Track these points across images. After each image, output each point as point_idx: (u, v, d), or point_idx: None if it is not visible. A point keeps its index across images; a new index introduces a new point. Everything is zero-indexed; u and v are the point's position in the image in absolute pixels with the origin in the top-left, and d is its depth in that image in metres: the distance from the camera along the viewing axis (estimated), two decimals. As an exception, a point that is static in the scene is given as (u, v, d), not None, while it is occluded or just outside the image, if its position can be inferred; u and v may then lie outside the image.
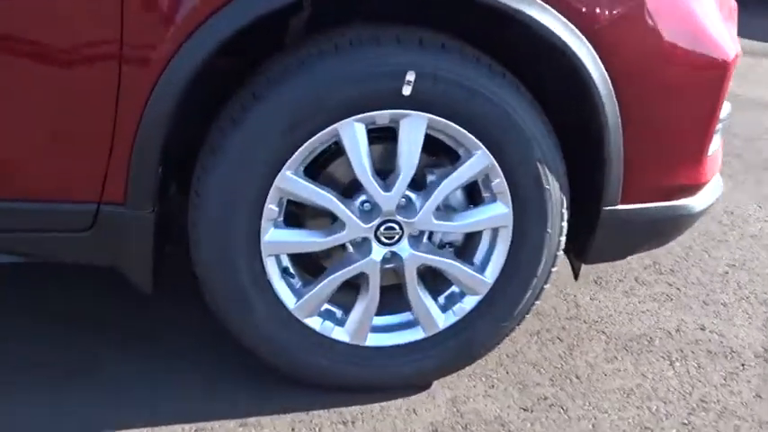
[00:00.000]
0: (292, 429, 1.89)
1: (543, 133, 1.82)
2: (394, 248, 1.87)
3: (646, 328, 2.37)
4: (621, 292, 2.56)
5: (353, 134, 1.74)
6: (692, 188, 2.02)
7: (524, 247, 1.91)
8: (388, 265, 1.90)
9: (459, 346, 1.99)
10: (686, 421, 2.01)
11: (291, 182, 1.76)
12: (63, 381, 1.97)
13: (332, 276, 1.87)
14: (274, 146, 1.72)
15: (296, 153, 1.73)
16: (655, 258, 2.74)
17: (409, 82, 1.70)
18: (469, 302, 1.96)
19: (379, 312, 1.94)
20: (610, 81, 1.77)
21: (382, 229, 1.85)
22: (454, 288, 1.97)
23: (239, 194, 1.75)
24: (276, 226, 1.81)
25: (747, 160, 3.77)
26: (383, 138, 1.82)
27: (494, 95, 1.75)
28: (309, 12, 1.89)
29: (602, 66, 1.76)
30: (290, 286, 1.89)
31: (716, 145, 2.03)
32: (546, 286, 1.98)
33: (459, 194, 1.92)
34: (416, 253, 1.88)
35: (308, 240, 1.85)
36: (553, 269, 1.96)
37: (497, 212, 1.87)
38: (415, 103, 1.73)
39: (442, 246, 1.96)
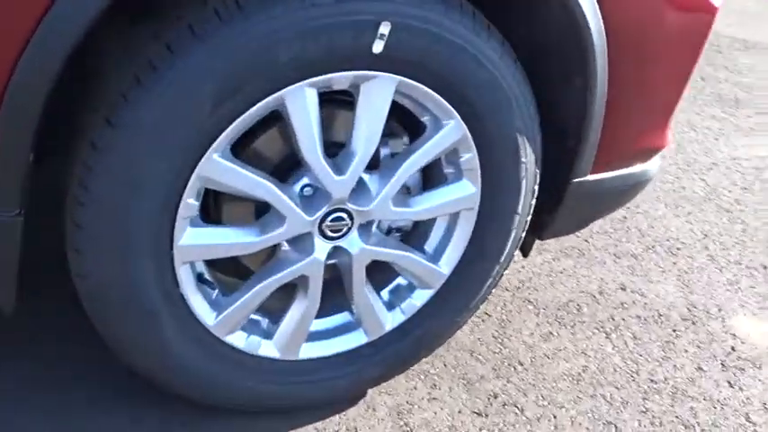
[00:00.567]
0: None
1: (526, 98, 1.47)
2: (340, 243, 1.47)
3: (570, 293, 2.16)
4: (534, 250, 2.31)
5: (304, 102, 1.30)
6: (654, 152, 1.78)
7: (489, 231, 1.58)
8: (329, 261, 1.50)
9: (406, 349, 1.65)
10: (644, 408, 1.82)
11: (219, 167, 1.29)
12: None
13: (262, 284, 1.44)
14: (197, 121, 1.23)
15: (227, 130, 1.26)
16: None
17: (382, 36, 1.28)
18: (420, 298, 1.62)
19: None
20: (605, 35, 1.45)
21: (328, 220, 1.43)
22: (400, 280, 1.62)
23: (146, 186, 1.26)
24: (193, 224, 1.35)
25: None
26: (325, 103, 1.39)
27: (479, 53, 1.37)
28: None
29: (600, 18, 1.43)
30: (206, 296, 1.44)
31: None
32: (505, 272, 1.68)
33: (416, 173, 1.55)
34: (368, 247, 1.49)
35: (238, 242, 1.39)
36: (515, 252, 1.66)
37: (464, 193, 1.52)
38: (385, 62, 1.31)
39: (387, 232, 1.59)
